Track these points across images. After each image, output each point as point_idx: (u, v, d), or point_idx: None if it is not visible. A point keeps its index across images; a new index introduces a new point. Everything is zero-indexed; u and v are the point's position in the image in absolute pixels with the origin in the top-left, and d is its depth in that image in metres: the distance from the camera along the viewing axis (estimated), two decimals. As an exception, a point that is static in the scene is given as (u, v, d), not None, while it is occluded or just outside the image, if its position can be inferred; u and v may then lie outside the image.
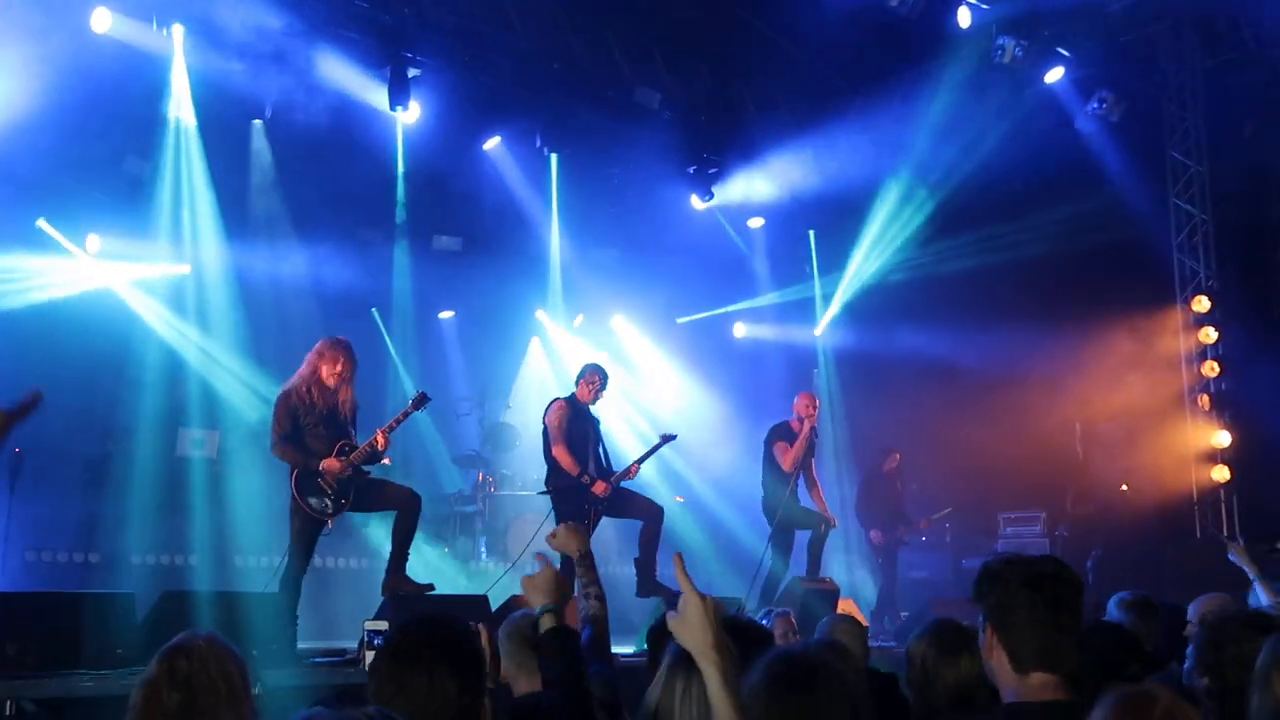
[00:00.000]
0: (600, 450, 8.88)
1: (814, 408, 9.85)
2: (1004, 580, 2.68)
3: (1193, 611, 4.89)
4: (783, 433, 9.85)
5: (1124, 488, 12.64)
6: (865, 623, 8.33)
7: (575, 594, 3.88)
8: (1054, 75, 11.48)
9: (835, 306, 15.27)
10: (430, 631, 2.73)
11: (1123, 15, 11.10)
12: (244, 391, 11.65)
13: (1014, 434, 12.20)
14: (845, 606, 9.15)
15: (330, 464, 7.29)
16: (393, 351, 13.50)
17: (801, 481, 9.87)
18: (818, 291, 15.52)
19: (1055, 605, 2.63)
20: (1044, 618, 2.62)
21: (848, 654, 3.63)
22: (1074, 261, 12.86)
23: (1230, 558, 6.05)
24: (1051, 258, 12.98)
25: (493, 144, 12.98)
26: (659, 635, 3.51)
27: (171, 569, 9.41)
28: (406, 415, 7.70)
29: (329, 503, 7.35)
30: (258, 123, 11.58)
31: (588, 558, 4.00)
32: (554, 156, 13.39)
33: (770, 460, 9.82)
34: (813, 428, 9.86)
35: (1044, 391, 12.95)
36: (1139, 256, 13.05)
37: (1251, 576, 5.78)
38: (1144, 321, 12.87)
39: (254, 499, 10.16)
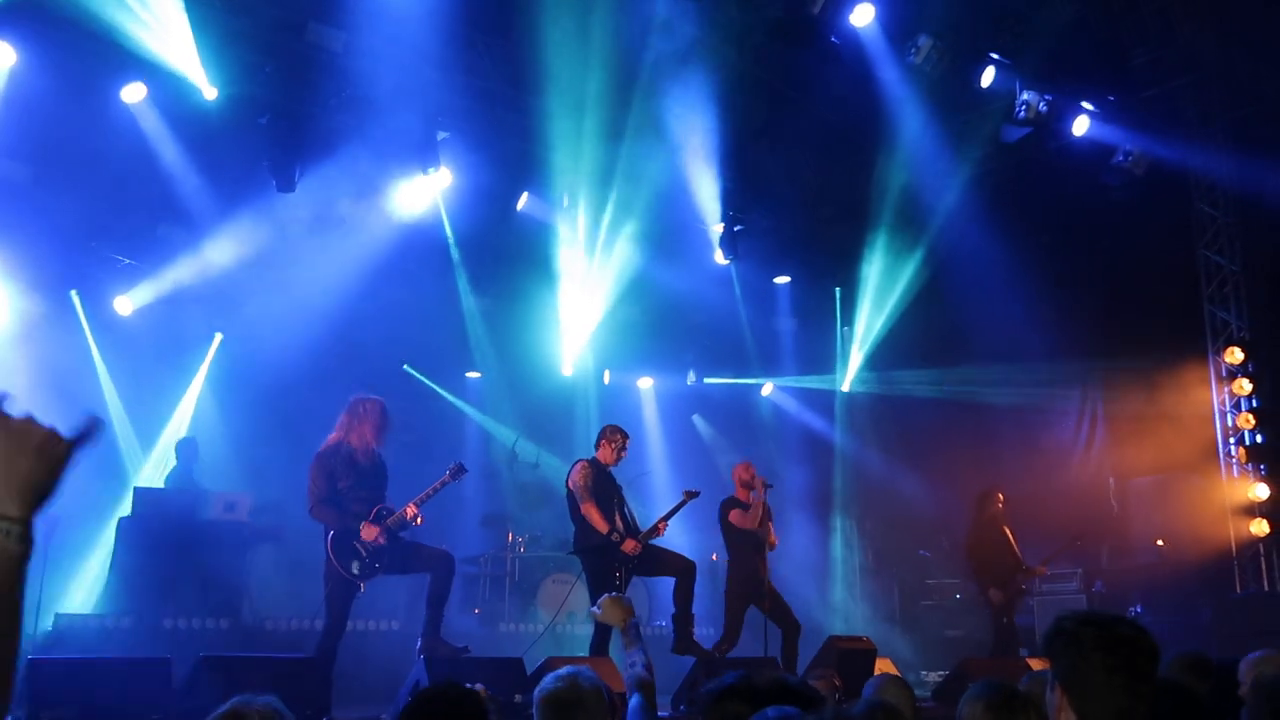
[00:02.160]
0: (626, 510, 8.82)
1: (753, 469, 9.80)
2: (1079, 641, 2.59)
3: (1244, 669, 4.78)
4: (734, 504, 9.76)
5: (1160, 543, 12.48)
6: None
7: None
8: (1080, 127, 11.49)
9: (857, 361, 15.30)
10: (443, 703, 2.71)
11: (1146, 68, 11.14)
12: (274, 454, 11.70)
13: (1048, 489, 12.08)
14: (883, 665, 9.00)
15: (369, 530, 7.30)
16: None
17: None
18: (838, 347, 15.54)
19: (1131, 671, 2.55)
20: (1119, 684, 2.53)
21: (899, 715, 3.57)
22: (1104, 315, 12.81)
23: None
24: (1082, 312, 12.95)
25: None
26: (715, 702, 3.46)
27: (204, 633, 9.36)
28: (443, 485, 7.69)
29: (364, 565, 7.33)
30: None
31: (633, 627, 3.98)
32: (580, 212, 13.55)
33: (729, 529, 9.73)
34: (765, 488, 9.74)
35: (1077, 447, 12.86)
36: (1169, 309, 13.00)
37: None
38: (1176, 374, 12.80)
39: (286, 562, 10.14)
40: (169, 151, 11.09)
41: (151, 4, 9.74)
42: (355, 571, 7.31)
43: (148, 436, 11.91)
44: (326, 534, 7.34)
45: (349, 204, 11.84)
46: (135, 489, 10.75)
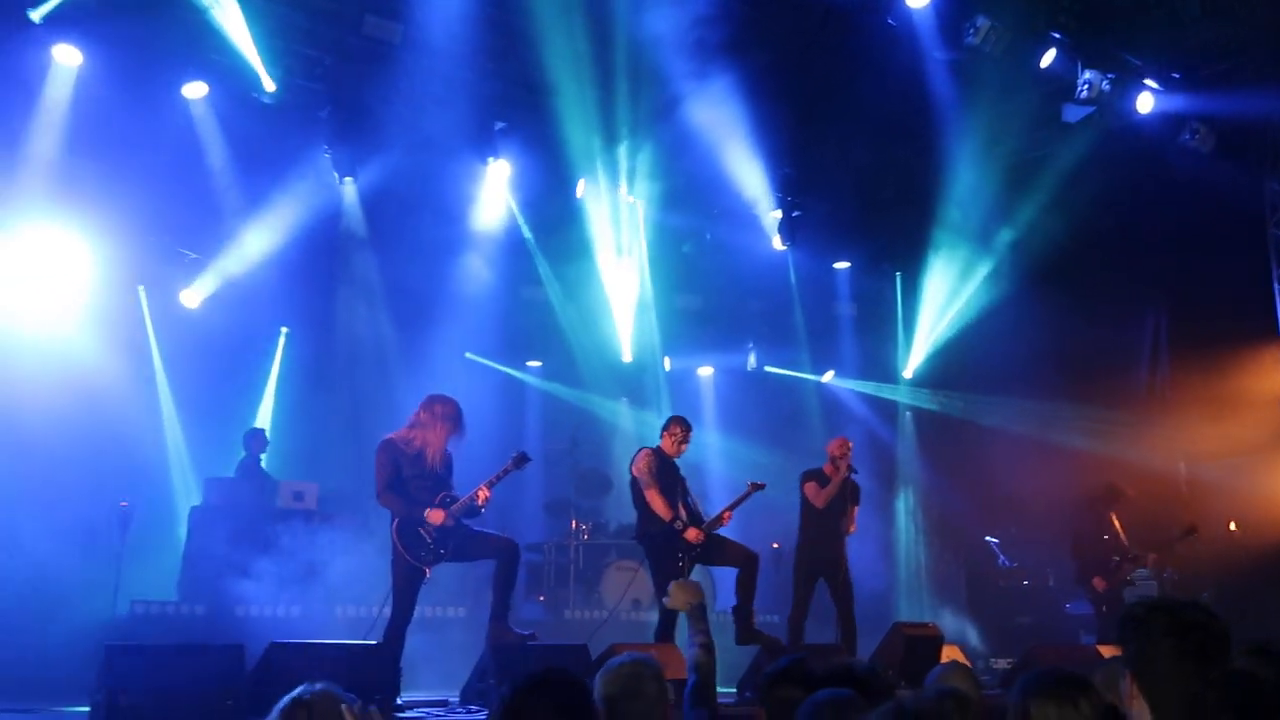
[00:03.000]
0: (689, 500, 8.82)
1: (847, 449, 9.71)
2: (1147, 627, 2.56)
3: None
4: (814, 475, 9.71)
5: (1232, 527, 12.26)
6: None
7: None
8: (1144, 105, 11.26)
9: (921, 351, 15.15)
10: (547, 693, 2.73)
11: (1213, 44, 10.89)
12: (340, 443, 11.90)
13: (1117, 475, 11.87)
14: (950, 653, 8.93)
15: (435, 514, 7.36)
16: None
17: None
18: (900, 336, 15.40)
19: (1201, 656, 2.51)
20: (1189, 669, 2.50)
21: (968, 702, 3.54)
22: (1173, 296, 12.59)
23: None
24: (1147, 294, 12.73)
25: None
26: (770, 686, 3.47)
27: (275, 620, 9.53)
28: (507, 473, 7.74)
29: (429, 552, 7.41)
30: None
31: (700, 609, 3.99)
32: (639, 204, 13.55)
33: (802, 500, 9.70)
34: (849, 469, 9.67)
35: (1146, 431, 12.66)
36: (1239, 289, 12.72)
37: None
38: (1246, 356, 12.54)
39: (356, 549, 10.29)
40: (231, 146, 11.27)
41: (211, 2, 9.88)
42: (421, 558, 7.39)
43: (218, 427, 12.10)
44: (392, 521, 7.43)
45: (409, 194, 11.93)
46: (206, 479, 10.97)
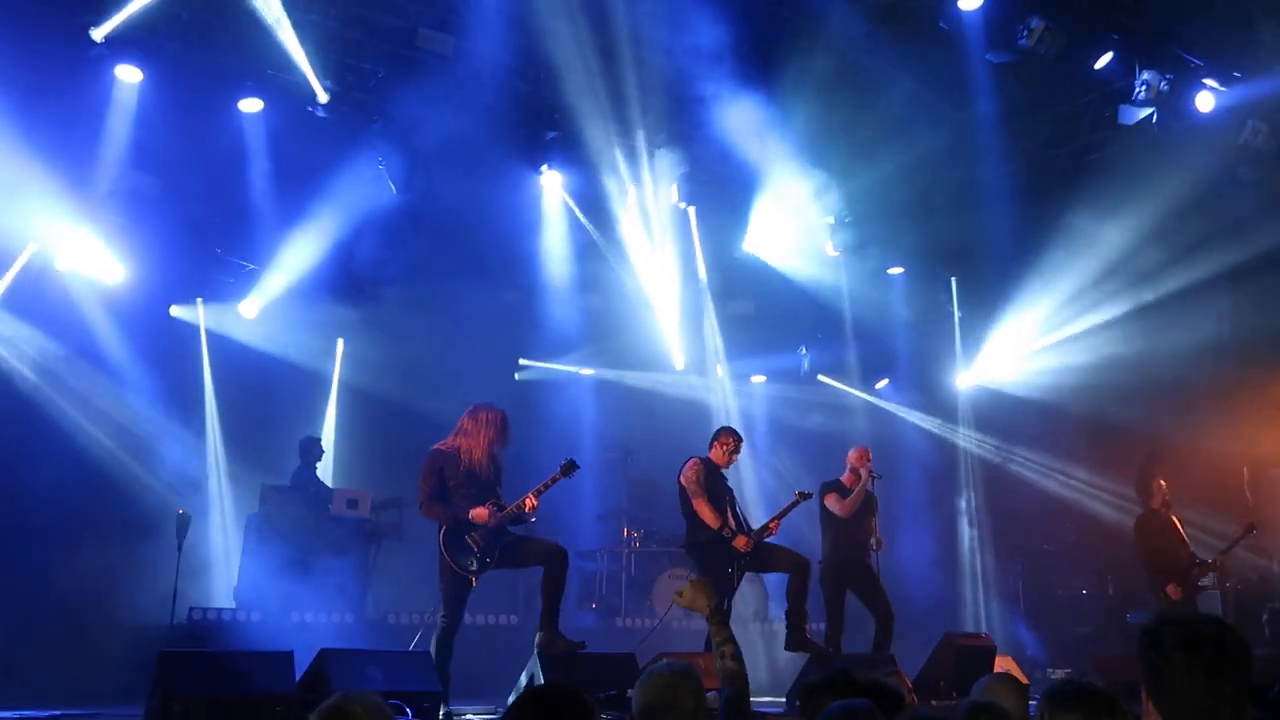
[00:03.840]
0: (737, 509, 8.80)
1: (867, 457, 9.64)
2: (1159, 642, 2.51)
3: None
4: (834, 487, 9.64)
5: (1298, 537, 11.96)
6: (1025, 680, 7.99)
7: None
8: (1205, 105, 11.04)
9: (983, 358, 15.01)
10: (548, 702, 2.74)
11: (1274, 41, 10.64)
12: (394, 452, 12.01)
13: (1179, 481, 11.63)
14: (1004, 663, 8.81)
15: (479, 512, 7.37)
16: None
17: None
18: (958, 342, 15.24)
19: (1214, 671, 2.45)
20: (1201, 685, 2.44)
21: (1002, 715, 3.48)
22: (1235, 300, 12.32)
23: None
24: (1212, 299, 12.48)
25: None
26: (810, 695, 3.44)
27: (329, 626, 9.63)
28: (555, 481, 7.75)
29: (476, 560, 7.43)
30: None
31: (719, 613, 3.92)
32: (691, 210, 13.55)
33: (823, 512, 9.62)
34: (871, 479, 9.60)
35: (1210, 437, 12.39)
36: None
37: None
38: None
39: (407, 557, 10.38)
40: (285, 159, 11.44)
41: (265, 19, 10.04)
42: (468, 566, 7.41)
43: (276, 435, 12.28)
44: (439, 531, 7.47)
45: (462, 203, 12.02)
46: (262, 486, 11.13)
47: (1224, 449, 12.47)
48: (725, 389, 15.35)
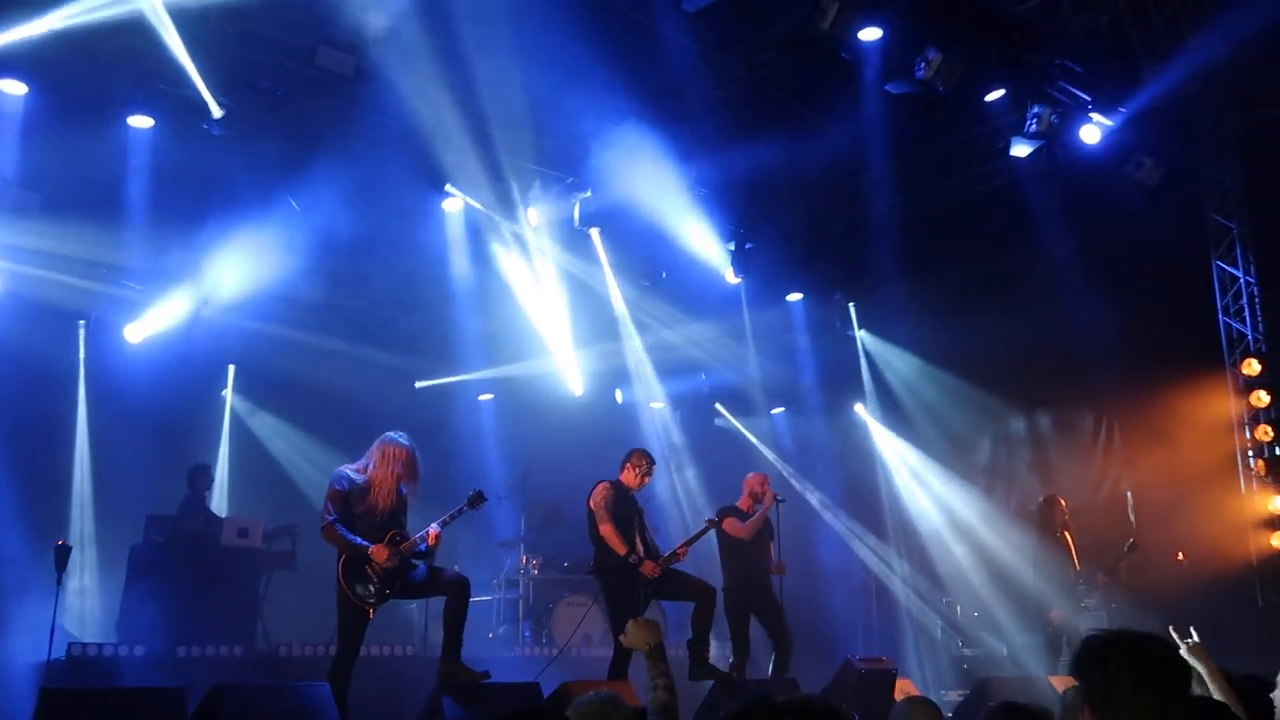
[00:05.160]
0: (646, 534, 8.76)
1: (767, 483, 9.81)
2: (1106, 660, 2.52)
3: (1281, 684, 4.70)
4: (732, 512, 9.75)
5: (1180, 557, 12.33)
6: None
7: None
8: (1091, 138, 11.40)
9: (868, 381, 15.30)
10: None
11: (1157, 79, 11.05)
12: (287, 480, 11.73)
13: (1066, 504, 11.95)
14: (904, 686, 8.90)
15: (379, 551, 7.19)
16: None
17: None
18: (863, 362, 15.47)
19: (1159, 690, 2.47)
20: (1146, 704, 2.46)
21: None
22: (1121, 328, 12.70)
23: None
24: (1096, 325, 12.85)
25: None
26: None
27: (218, 660, 9.29)
28: (461, 513, 7.65)
29: (375, 590, 7.25)
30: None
31: (659, 649, 3.90)
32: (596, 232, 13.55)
33: (723, 537, 9.68)
34: (777, 500, 9.75)
35: (1092, 461, 12.74)
36: (1185, 321, 12.89)
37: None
38: (1193, 387, 12.68)
39: (301, 588, 10.10)
40: (178, 179, 11.10)
41: (159, 34, 9.73)
42: (366, 597, 7.22)
43: (161, 462, 11.85)
44: (338, 559, 7.26)
45: (362, 224, 11.82)
46: (147, 516, 10.72)
47: (1110, 474, 12.84)
48: (635, 412, 15.36)
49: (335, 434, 11.81)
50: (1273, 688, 4.74)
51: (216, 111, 10.44)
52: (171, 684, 6.45)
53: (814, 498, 14.60)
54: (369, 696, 7.94)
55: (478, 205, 12.60)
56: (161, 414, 12.13)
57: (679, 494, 14.59)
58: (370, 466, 7.43)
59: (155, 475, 11.70)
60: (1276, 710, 4.60)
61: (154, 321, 12.02)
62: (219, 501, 12.29)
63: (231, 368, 13.19)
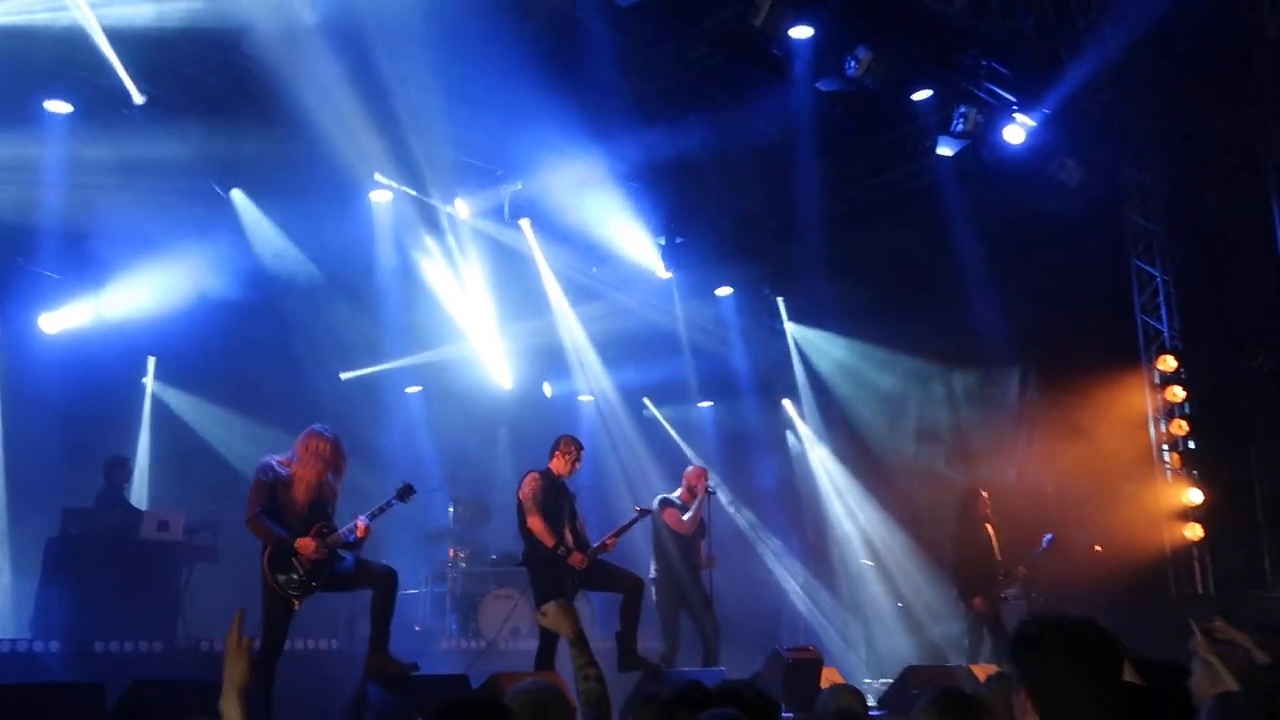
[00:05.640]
0: (577, 523, 8.74)
1: (705, 477, 9.90)
2: (1042, 645, 2.56)
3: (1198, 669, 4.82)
4: (671, 504, 9.83)
5: (1098, 548, 12.61)
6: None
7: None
8: (1015, 138, 11.61)
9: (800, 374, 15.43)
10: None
11: (1080, 81, 11.29)
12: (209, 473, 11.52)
13: (988, 497, 12.17)
14: (830, 675, 8.99)
15: (305, 544, 7.11)
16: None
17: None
18: (794, 355, 15.59)
19: (1096, 675, 2.52)
20: (1084, 688, 2.51)
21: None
22: (1043, 325, 12.96)
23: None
24: (1016, 322, 13.09)
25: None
26: (669, 711, 3.41)
27: (137, 656, 9.09)
28: (390, 505, 7.58)
29: (301, 582, 7.16)
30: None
31: (581, 638, 3.89)
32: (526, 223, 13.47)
33: (661, 530, 9.75)
34: (709, 493, 9.85)
35: (1016, 455, 12.98)
36: (1105, 318, 13.20)
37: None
38: (1112, 382, 12.99)
39: (223, 581, 9.92)
40: (97, 165, 10.82)
41: (78, 17, 9.48)
42: (291, 589, 7.14)
43: (79, 454, 11.57)
44: (263, 551, 7.16)
45: (287, 214, 11.64)
46: (64, 509, 10.45)
47: (1031, 467, 13.10)
48: (564, 405, 15.35)
49: (259, 426, 11.61)
50: (1188, 674, 4.87)
51: (137, 97, 10.22)
52: (90, 680, 6.29)
53: (733, 493, 14.66)
54: (294, 691, 7.83)
55: (411, 191, 12.47)
56: (79, 405, 11.81)
57: (610, 484, 14.58)
58: (295, 459, 7.35)
59: (72, 468, 11.44)
60: (1193, 697, 4.72)
61: (70, 312, 11.71)
62: (139, 494, 12.02)
63: (152, 359, 12.90)
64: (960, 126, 11.31)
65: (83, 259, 11.52)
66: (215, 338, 11.97)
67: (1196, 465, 12.73)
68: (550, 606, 4.09)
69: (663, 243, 13.92)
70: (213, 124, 10.79)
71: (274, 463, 7.31)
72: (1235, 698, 4.35)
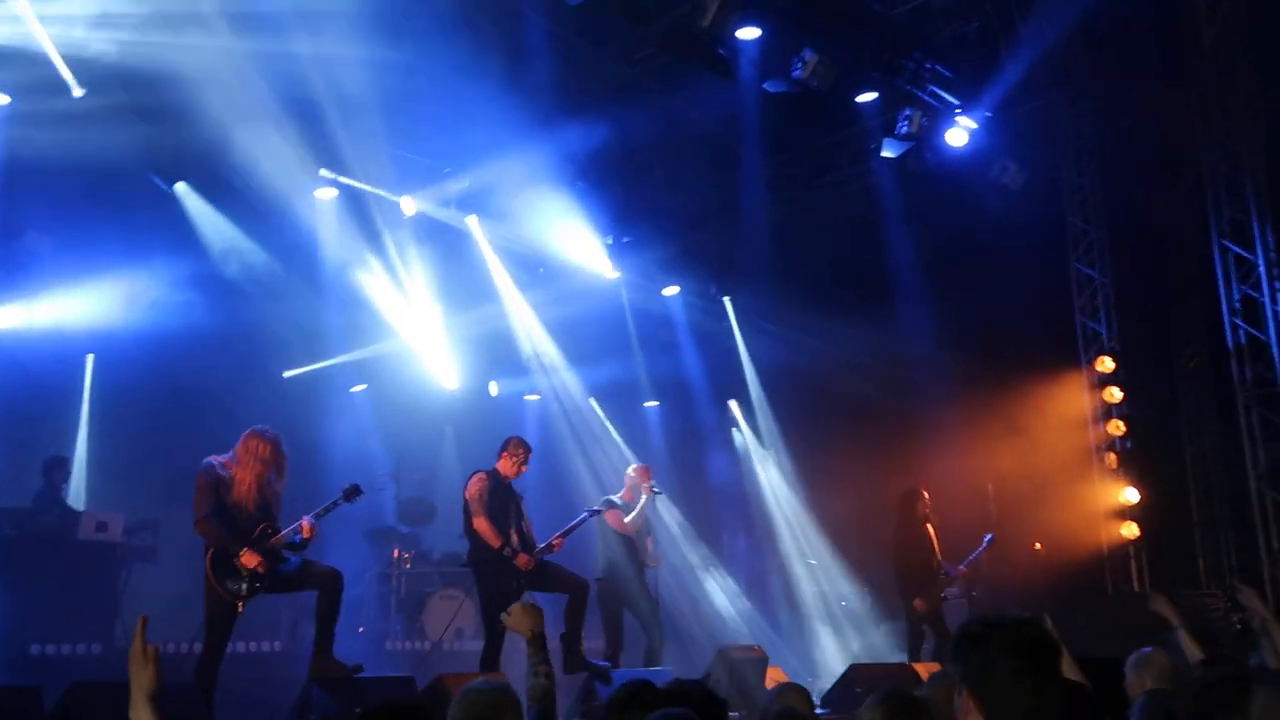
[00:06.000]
0: (523, 524, 8.72)
1: (648, 476, 9.93)
2: (984, 644, 2.60)
3: (1131, 666, 4.93)
4: (613, 504, 9.85)
5: (1037, 546, 12.82)
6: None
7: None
8: (958, 141, 11.74)
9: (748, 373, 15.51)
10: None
11: (1022, 85, 11.45)
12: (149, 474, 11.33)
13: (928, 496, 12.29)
14: (774, 674, 9.05)
15: (249, 557, 7.04)
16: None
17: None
18: (743, 355, 15.66)
19: (1038, 673, 2.57)
20: (1027, 685, 2.55)
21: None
22: (984, 325, 13.14)
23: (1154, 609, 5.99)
24: (959, 323, 13.26)
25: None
26: (619, 711, 3.42)
27: (75, 658, 8.94)
28: (336, 505, 7.52)
29: (245, 585, 7.09)
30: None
31: (540, 638, 3.92)
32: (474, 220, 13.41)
33: (604, 530, 9.78)
34: (654, 492, 9.88)
35: (956, 454, 13.14)
36: (1045, 319, 13.42)
37: (1175, 625, 5.77)
38: (1052, 383, 13.20)
39: (163, 583, 9.78)
40: (36, 159, 10.60)
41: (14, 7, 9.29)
42: (236, 591, 7.06)
43: (14, 454, 11.34)
44: (207, 552, 7.08)
45: (232, 210, 11.49)
46: (0, 509, 10.26)
47: (971, 466, 13.26)
48: (510, 405, 15.31)
49: (201, 426, 11.44)
50: (1124, 674, 4.98)
51: (77, 90, 10.03)
52: (27, 683, 6.18)
53: (680, 492, 14.70)
54: (237, 694, 7.74)
55: (357, 184, 12.33)
56: (14, 405, 11.59)
57: (558, 484, 14.55)
58: (235, 460, 7.28)
59: (9, 467, 11.22)
60: (1129, 693, 4.83)
61: (6, 310, 11.47)
62: (76, 495, 11.82)
63: (90, 357, 12.67)
64: (905, 129, 11.41)
65: (18, 255, 11.29)
66: (155, 336, 11.76)
67: (1133, 465, 12.97)
68: (516, 607, 4.13)
69: (610, 242, 13.92)
70: (154, 119, 10.62)
71: (216, 463, 7.23)
72: (1163, 694, 4.46)
